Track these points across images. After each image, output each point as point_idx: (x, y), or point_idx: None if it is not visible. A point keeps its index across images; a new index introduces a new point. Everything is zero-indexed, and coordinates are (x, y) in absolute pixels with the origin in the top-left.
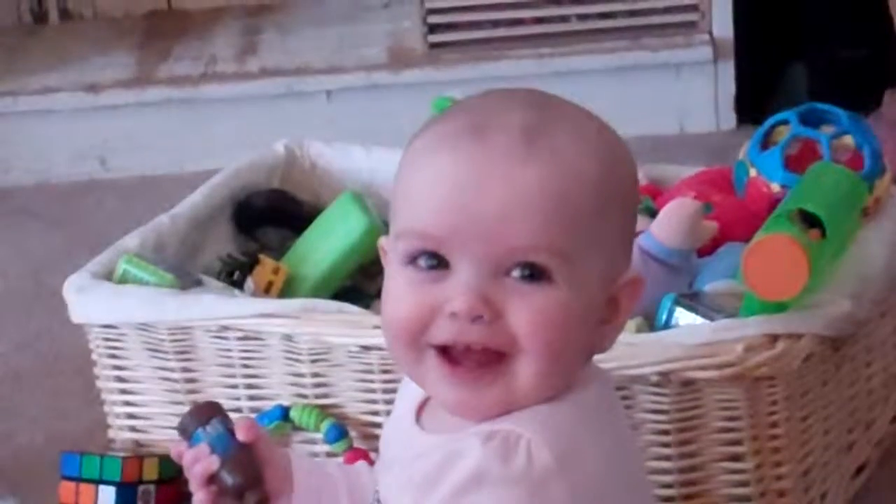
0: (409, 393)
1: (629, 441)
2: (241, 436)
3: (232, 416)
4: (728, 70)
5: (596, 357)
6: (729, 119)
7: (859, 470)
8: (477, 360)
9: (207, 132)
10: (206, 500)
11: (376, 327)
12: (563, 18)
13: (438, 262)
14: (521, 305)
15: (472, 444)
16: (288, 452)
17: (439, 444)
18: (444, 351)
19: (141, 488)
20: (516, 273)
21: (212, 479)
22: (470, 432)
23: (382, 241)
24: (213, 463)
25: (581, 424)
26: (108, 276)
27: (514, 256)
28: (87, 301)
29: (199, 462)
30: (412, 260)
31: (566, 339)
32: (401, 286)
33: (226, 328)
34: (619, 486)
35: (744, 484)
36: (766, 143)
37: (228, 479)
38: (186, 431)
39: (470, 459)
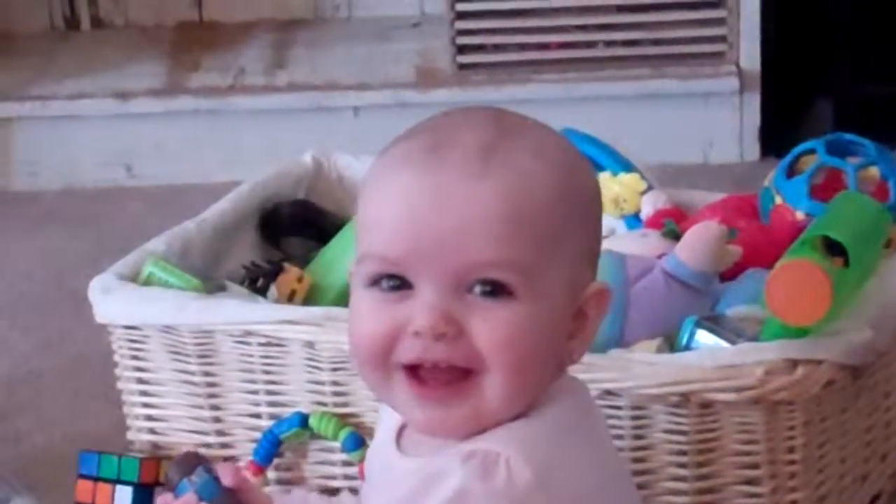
0: (389, 418)
1: (608, 450)
2: (226, 481)
3: (216, 454)
4: (754, 101)
5: (613, 376)
6: (753, 150)
7: (873, 501)
8: (444, 378)
9: (234, 144)
10: None
11: None
12: (590, 44)
13: (401, 283)
14: (483, 321)
15: (451, 464)
16: (270, 497)
17: (418, 467)
18: (412, 370)
19: (158, 490)
20: (477, 289)
21: None
22: (447, 453)
23: (349, 266)
24: None
25: (557, 439)
26: (134, 278)
27: (473, 273)
28: (112, 302)
29: None
30: (374, 282)
31: (531, 353)
32: (365, 308)
33: (248, 333)
34: (599, 496)
35: None
36: (792, 171)
37: None
38: (171, 482)
39: (452, 479)
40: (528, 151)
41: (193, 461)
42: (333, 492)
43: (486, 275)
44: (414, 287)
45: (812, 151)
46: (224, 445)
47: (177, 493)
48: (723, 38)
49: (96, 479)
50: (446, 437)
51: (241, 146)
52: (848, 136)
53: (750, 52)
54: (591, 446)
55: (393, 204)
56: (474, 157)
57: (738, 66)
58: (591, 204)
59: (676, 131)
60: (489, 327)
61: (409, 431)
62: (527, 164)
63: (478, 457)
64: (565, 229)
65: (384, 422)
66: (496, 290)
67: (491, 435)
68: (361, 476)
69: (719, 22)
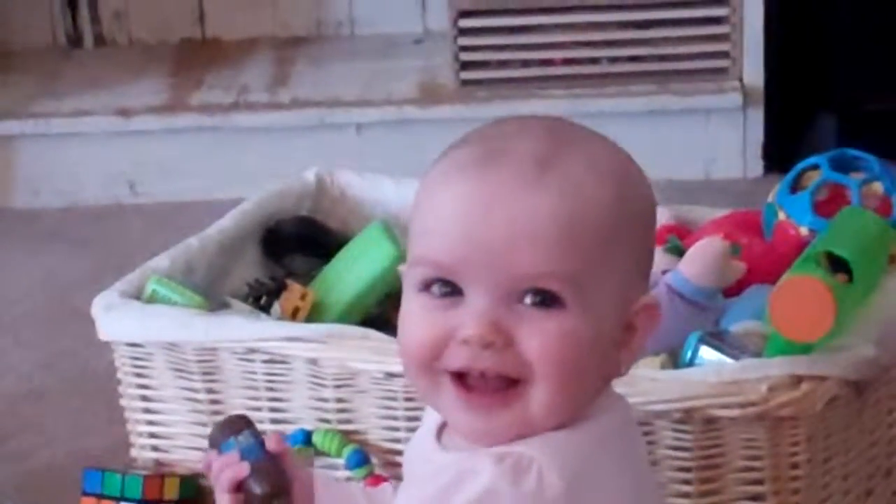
0: (433, 413)
1: (645, 471)
2: (270, 446)
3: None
4: (757, 117)
5: (618, 392)
6: (756, 166)
7: None
8: (491, 386)
9: (237, 161)
10: None
11: None
12: (594, 61)
13: (452, 289)
14: (533, 332)
15: (484, 462)
16: (311, 470)
17: (454, 461)
18: (459, 377)
19: None
20: (528, 299)
21: (239, 486)
22: (483, 452)
23: (402, 268)
24: (244, 469)
25: (594, 453)
26: (137, 295)
27: (525, 283)
28: (115, 319)
29: (229, 468)
30: (426, 287)
31: (579, 364)
32: (415, 312)
33: (252, 350)
34: None
35: None
36: (795, 186)
37: (257, 487)
38: (217, 441)
39: (482, 477)
40: (583, 162)
41: (241, 423)
42: None
43: (537, 285)
44: (464, 294)
45: (816, 167)
46: None
47: (221, 450)
48: (726, 55)
49: (100, 497)
50: (490, 445)
51: (244, 163)
52: (852, 152)
53: (753, 69)
54: (626, 464)
55: (447, 210)
56: (529, 167)
57: (741, 82)
58: (645, 216)
59: (679, 147)
60: (538, 337)
61: (451, 429)
62: (581, 175)
63: (511, 459)
64: (618, 241)
65: (428, 416)
66: (547, 300)
67: (529, 441)
68: (376, 486)
69: (722, 38)
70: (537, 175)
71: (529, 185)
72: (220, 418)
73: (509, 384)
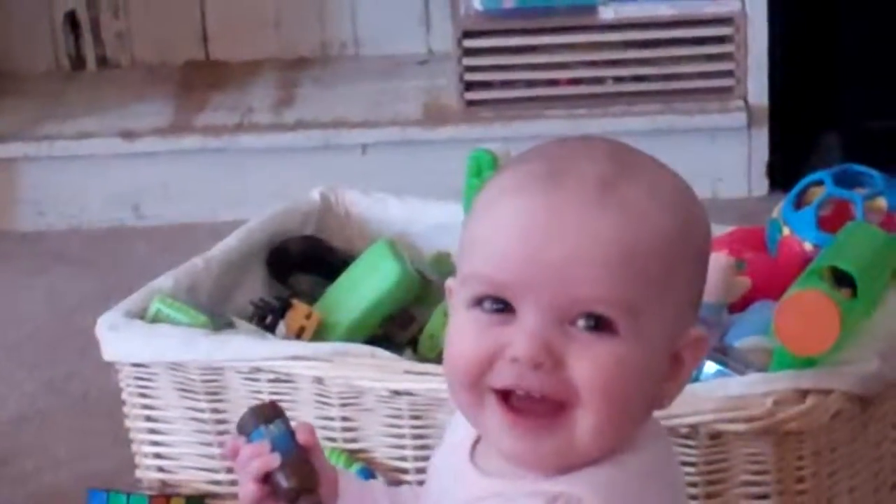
0: (465, 425)
1: (683, 498)
2: (302, 439)
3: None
4: (762, 137)
5: None
6: (761, 185)
7: None
8: (536, 409)
9: (242, 182)
10: (257, 496)
11: (407, 372)
12: (599, 80)
13: (504, 307)
14: (583, 356)
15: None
16: (336, 468)
17: (496, 491)
18: (505, 397)
19: None
20: (581, 323)
21: (265, 477)
22: (533, 490)
23: (450, 283)
24: (274, 461)
25: (641, 489)
26: (141, 315)
27: (579, 306)
28: (120, 339)
29: (258, 457)
30: (478, 303)
31: (628, 392)
32: (465, 328)
33: (257, 370)
34: None
35: None
36: (800, 202)
37: (285, 481)
38: (247, 427)
39: None
40: (646, 189)
41: (273, 412)
42: None
43: (591, 309)
44: (516, 312)
45: (820, 183)
46: (234, 482)
47: (251, 438)
48: (730, 74)
49: None
50: (532, 469)
51: (248, 185)
52: (856, 167)
53: (757, 88)
54: (668, 492)
55: (505, 226)
56: (592, 189)
57: (745, 101)
58: (703, 249)
59: (684, 167)
60: (588, 362)
61: (487, 447)
62: (643, 202)
63: (561, 501)
64: (675, 272)
65: (458, 428)
66: (600, 325)
67: (576, 477)
68: None
69: (727, 57)
70: (600, 198)
71: (592, 207)
72: (223, 442)
73: (555, 408)
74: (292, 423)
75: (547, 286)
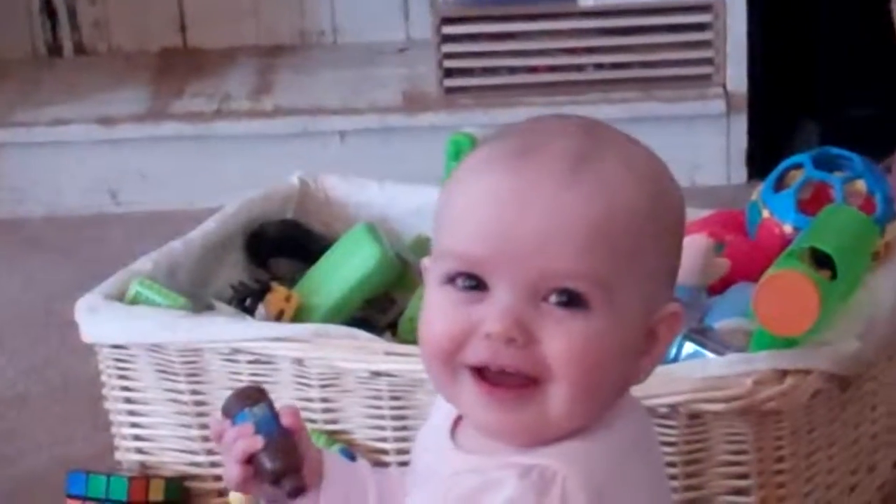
0: (444, 405)
1: (662, 475)
2: (286, 421)
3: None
4: (741, 124)
5: None
6: (740, 173)
7: None
8: (511, 383)
9: (219, 169)
10: (241, 477)
11: (387, 353)
12: (578, 68)
13: (477, 284)
14: (556, 332)
15: (509, 476)
16: (321, 449)
17: (473, 466)
18: (480, 372)
19: None
20: (553, 298)
21: (250, 459)
22: (507, 462)
23: (425, 261)
24: (257, 443)
25: (616, 462)
26: (120, 297)
27: (551, 281)
28: (99, 321)
29: (242, 439)
30: (450, 280)
31: (601, 367)
32: (438, 305)
33: (237, 351)
34: None
35: None
36: (779, 185)
37: (269, 462)
38: (231, 410)
39: (506, 491)
40: (618, 164)
41: (257, 395)
42: None
43: (563, 284)
44: (489, 289)
45: (799, 166)
46: (213, 464)
47: (235, 420)
48: (709, 61)
49: (84, 499)
50: (507, 442)
51: (226, 172)
52: (835, 151)
53: (736, 75)
54: (647, 469)
55: (478, 204)
56: (564, 165)
57: (724, 88)
58: (677, 223)
59: (663, 154)
60: (561, 338)
61: (466, 425)
62: (616, 176)
63: (535, 473)
64: (648, 246)
65: (441, 408)
66: (572, 300)
67: (552, 449)
68: None
69: (706, 45)
70: (573, 173)
71: (564, 183)
72: (208, 417)
73: (528, 383)
74: (277, 406)
75: (519, 262)
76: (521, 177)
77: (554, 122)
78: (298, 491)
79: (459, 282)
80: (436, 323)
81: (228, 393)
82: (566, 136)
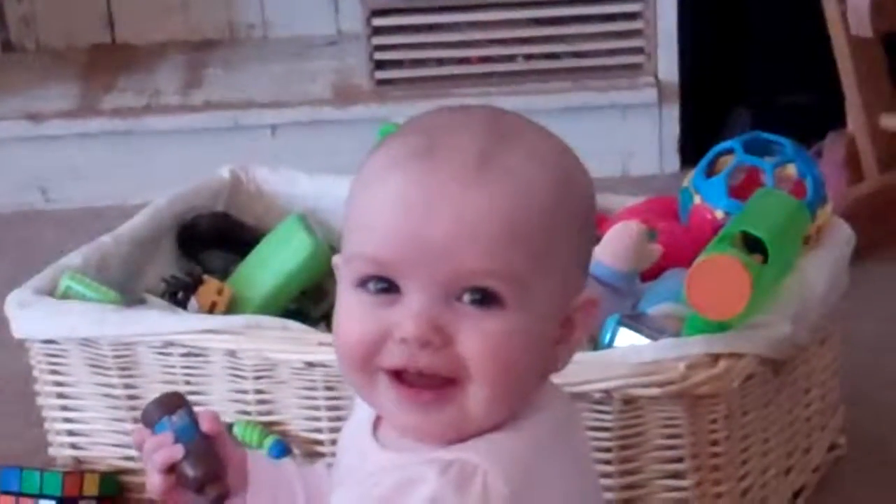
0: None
1: (587, 462)
2: (206, 427)
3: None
4: (673, 113)
5: None
6: (673, 162)
7: (796, 495)
8: (428, 384)
9: (150, 164)
10: (164, 487)
11: (321, 344)
12: (510, 58)
13: (388, 287)
14: (471, 331)
15: (429, 472)
16: (245, 450)
17: (396, 464)
18: (397, 374)
19: (82, 503)
20: (466, 297)
21: (171, 468)
22: (427, 458)
23: (336, 260)
24: (178, 452)
25: (537, 452)
26: (51, 292)
27: (464, 281)
28: (29, 316)
29: (162, 449)
30: (362, 283)
31: (518, 364)
32: (351, 309)
33: (169, 344)
34: None
35: (683, 501)
36: (710, 170)
37: (191, 471)
38: (151, 419)
39: (427, 487)
40: (524, 157)
41: (176, 401)
42: None
43: (475, 283)
44: (402, 291)
45: (730, 151)
46: None
47: (155, 429)
48: (640, 51)
49: (18, 495)
50: (427, 442)
51: (157, 167)
52: (765, 136)
53: (667, 64)
54: (569, 458)
55: (384, 206)
56: (469, 162)
57: (656, 77)
58: (587, 210)
59: (596, 144)
60: (476, 337)
61: (386, 422)
62: (522, 170)
63: (455, 467)
64: (559, 238)
65: (362, 406)
66: (486, 298)
67: (471, 445)
68: None
69: (637, 34)
70: (477, 171)
71: (469, 182)
72: (136, 417)
73: (447, 382)
74: (198, 408)
75: (430, 264)
76: (426, 177)
77: (457, 116)
78: (222, 497)
79: (371, 285)
80: (350, 327)
81: (162, 386)
82: (469, 132)
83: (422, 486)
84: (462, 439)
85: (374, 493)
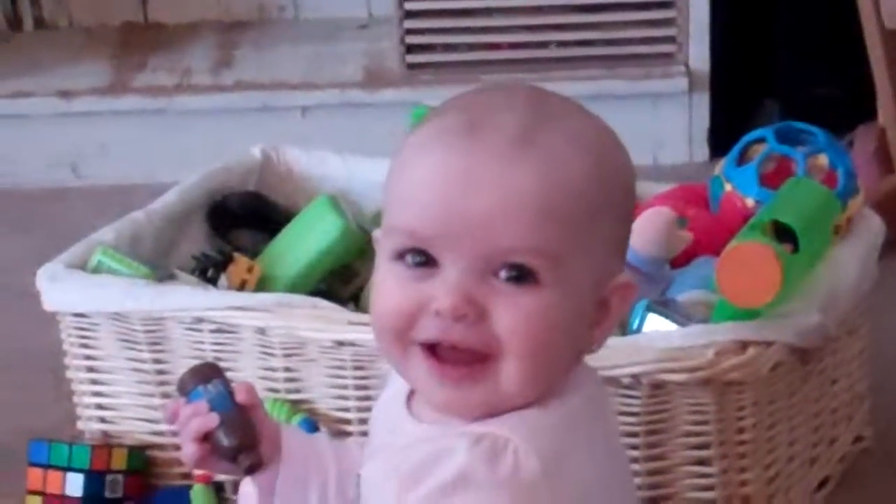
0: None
1: (617, 445)
2: (240, 398)
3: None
4: (703, 102)
5: None
6: (702, 151)
7: (821, 485)
8: (462, 359)
9: (180, 143)
10: (198, 455)
11: (350, 323)
12: (541, 45)
13: (426, 260)
14: (506, 307)
15: (460, 444)
16: (278, 423)
17: (428, 436)
18: (431, 348)
19: (109, 477)
20: (503, 274)
21: (206, 437)
22: (459, 431)
23: (376, 233)
24: (212, 420)
25: (569, 431)
26: (82, 266)
27: (501, 257)
28: (61, 289)
29: (197, 418)
30: (400, 256)
31: (552, 341)
32: (389, 281)
33: (200, 320)
34: (605, 492)
35: (709, 488)
36: (742, 159)
37: (225, 439)
38: (185, 388)
39: (457, 459)
40: (565, 137)
41: (212, 372)
42: None
43: (512, 259)
44: (439, 265)
45: (762, 140)
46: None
47: (190, 398)
48: (672, 39)
49: (46, 467)
50: (461, 417)
51: (187, 146)
52: (797, 125)
53: (699, 54)
54: (600, 439)
55: (425, 180)
56: (510, 140)
57: (687, 66)
58: (626, 193)
59: (626, 132)
60: (511, 313)
61: (420, 396)
62: (562, 150)
63: (487, 441)
64: (597, 218)
65: (397, 379)
66: (522, 275)
67: (504, 420)
68: None
69: (668, 23)
70: (519, 148)
71: (510, 158)
72: (171, 386)
73: (480, 358)
74: (233, 382)
75: (467, 239)
76: (466, 154)
77: (500, 95)
78: (255, 467)
79: (409, 258)
80: (387, 299)
81: (191, 361)
82: (511, 110)
83: (452, 459)
84: (495, 415)
85: (405, 465)
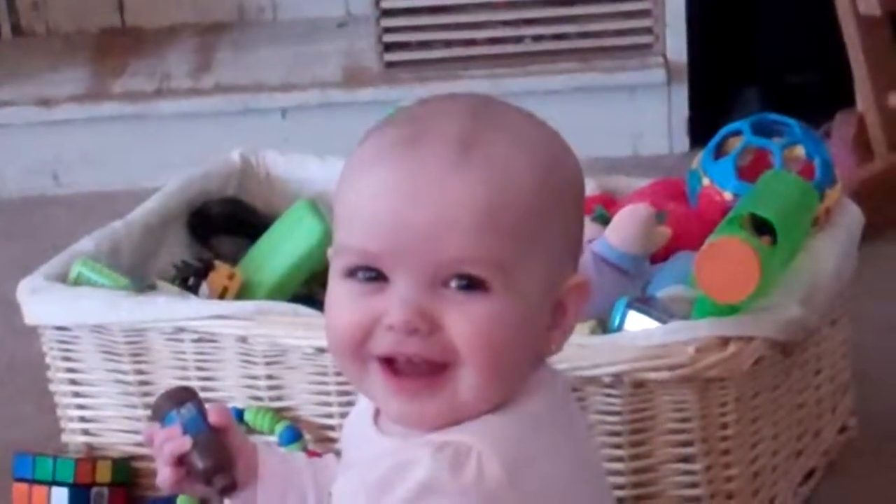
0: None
1: (584, 443)
2: (213, 420)
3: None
4: (681, 93)
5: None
6: (682, 142)
7: (807, 477)
8: (418, 371)
9: (161, 148)
10: (174, 479)
11: None
12: (518, 39)
13: (377, 275)
14: (458, 316)
15: (424, 454)
16: (255, 442)
17: (393, 448)
18: (388, 362)
19: (94, 490)
20: (453, 284)
21: (181, 460)
22: (423, 440)
23: (330, 252)
24: (185, 444)
25: (532, 434)
26: (62, 278)
27: (449, 268)
28: (41, 302)
29: (171, 441)
30: (351, 273)
31: (506, 347)
32: (341, 298)
33: (181, 330)
34: (574, 491)
35: (694, 485)
36: (719, 152)
37: (199, 462)
38: (160, 412)
39: (421, 469)
40: (508, 142)
41: (185, 395)
42: None
43: (461, 269)
44: (389, 279)
45: (738, 133)
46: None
47: (164, 423)
48: (649, 31)
49: (31, 482)
50: (421, 430)
51: (168, 151)
52: (773, 117)
53: (676, 44)
54: (565, 440)
55: (370, 197)
56: (452, 150)
57: (664, 57)
58: (573, 195)
59: (605, 125)
60: (464, 322)
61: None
62: (505, 156)
63: (450, 449)
64: (545, 222)
65: (363, 396)
66: (471, 284)
67: (466, 427)
68: None
69: (645, 14)
70: (460, 158)
71: (452, 169)
72: (154, 397)
73: (437, 369)
74: (208, 403)
75: (415, 252)
76: (409, 167)
77: (442, 104)
78: (230, 488)
79: (360, 274)
80: (341, 315)
81: (173, 371)
82: (452, 120)
83: (416, 469)
84: (455, 424)
85: (371, 478)
